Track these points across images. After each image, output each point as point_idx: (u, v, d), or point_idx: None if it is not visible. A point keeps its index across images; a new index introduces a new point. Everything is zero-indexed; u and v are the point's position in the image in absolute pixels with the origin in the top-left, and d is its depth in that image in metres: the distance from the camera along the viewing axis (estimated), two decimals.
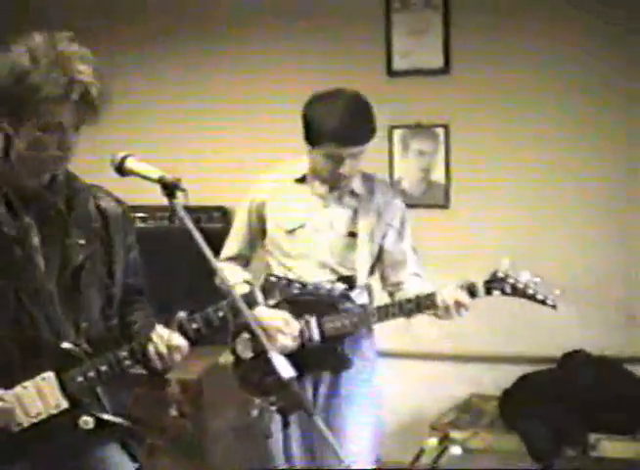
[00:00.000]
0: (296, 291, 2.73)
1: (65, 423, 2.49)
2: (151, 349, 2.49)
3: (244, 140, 5.13)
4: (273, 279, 2.68)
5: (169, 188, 2.33)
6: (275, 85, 5.04)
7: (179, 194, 2.33)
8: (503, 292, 3.34)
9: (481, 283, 3.33)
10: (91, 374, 2.51)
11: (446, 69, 4.87)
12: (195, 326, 2.52)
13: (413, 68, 4.91)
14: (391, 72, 4.93)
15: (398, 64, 4.92)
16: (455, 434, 4.32)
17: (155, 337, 2.49)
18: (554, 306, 3.34)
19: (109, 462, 2.68)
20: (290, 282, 2.70)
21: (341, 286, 3.41)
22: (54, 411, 2.49)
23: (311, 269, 3.47)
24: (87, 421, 2.50)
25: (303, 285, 2.73)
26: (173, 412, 4.68)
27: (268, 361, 2.15)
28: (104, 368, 2.51)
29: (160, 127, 5.22)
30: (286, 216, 3.54)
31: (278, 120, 4.95)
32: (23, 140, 2.40)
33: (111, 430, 2.58)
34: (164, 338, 2.48)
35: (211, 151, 5.16)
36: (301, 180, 3.55)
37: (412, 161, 4.96)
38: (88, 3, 5.29)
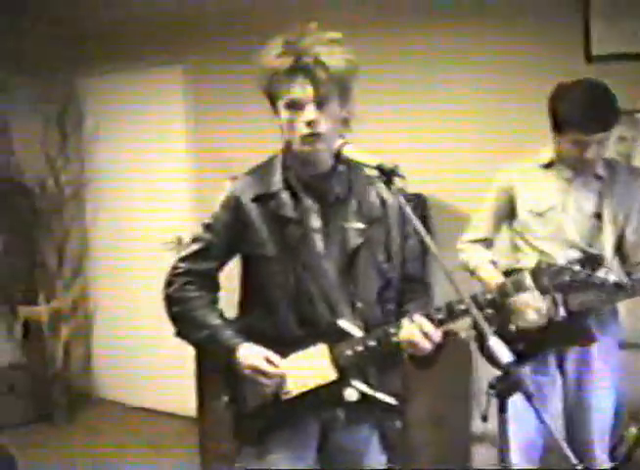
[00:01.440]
0: (566, 278, 2.76)
1: (330, 395, 2.64)
2: (404, 332, 2.57)
3: (441, 127, 5.16)
4: (543, 266, 2.72)
5: (388, 174, 2.43)
6: (472, 75, 5.07)
7: (397, 180, 2.43)
8: None
9: None
10: (360, 348, 2.63)
11: None
12: (440, 317, 2.57)
13: (612, 53, 4.79)
14: (590, 58, 4.84)
15: (597, 49, 4.82)
16: None
17: (409, 322, 2.57)
18: None
19: (358, 439, 2.82)
20: (561, 269, 2.73)
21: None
22: (322, 382, 2.64)
23: (560, 249, 3.60)
24: (352, 394, 2.62)
25: (574, 272, 2.75)
26: None
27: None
28: (372, 343, 2.62)
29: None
30: (535, 200, 3.72)
31: (473, 111, 5.05)
32: (283, 121, 2.62)
33: (373, 406, 2.68)
34: (418, 323, 2.55)
35: (410, 138, 5.20)
36: (548, 166, 3.72)
37: (612, 146, 4.84)
38: None
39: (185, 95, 6.39)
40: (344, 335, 2.64)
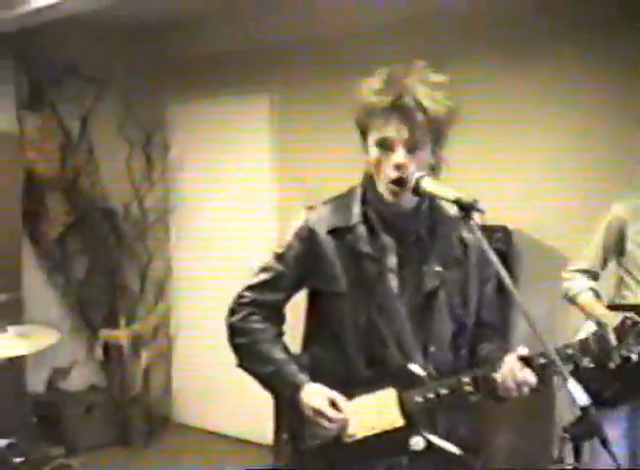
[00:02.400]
0: None
1: (396, 441, 2.52)
2: (499, 380, 2.44)
3: (530, 159, 5.07)
4: (628, 323, 2.63)
5: (466, 209, 2.31)
6: (564, 107, 4.99)
7: (476, 215, 2.32)
8: None
9: None
10: (430, 396, 2.51)
11: None
12: (541, 362, 2.42)
13: None
14: None
15: None
16: None
17: (505, 370, 2.43)
18: None
19: None
20: None
21: None
22: (388, 428, 2.52)
23: None
24: (418, 442, 2.50)
25: None
26: None
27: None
28: (444, 391, 2.50)
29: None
30: None
31: (563, 142, 4.95)
32: (371, 159, 2.52)
33: (439, 456, 2.55)
34: (514, 371, 2.41)
35: (496, 170, 5.13)
36: None
37: None
38: None
39: (271, 124, 6.41)
40: (414, 379, 2.53)
